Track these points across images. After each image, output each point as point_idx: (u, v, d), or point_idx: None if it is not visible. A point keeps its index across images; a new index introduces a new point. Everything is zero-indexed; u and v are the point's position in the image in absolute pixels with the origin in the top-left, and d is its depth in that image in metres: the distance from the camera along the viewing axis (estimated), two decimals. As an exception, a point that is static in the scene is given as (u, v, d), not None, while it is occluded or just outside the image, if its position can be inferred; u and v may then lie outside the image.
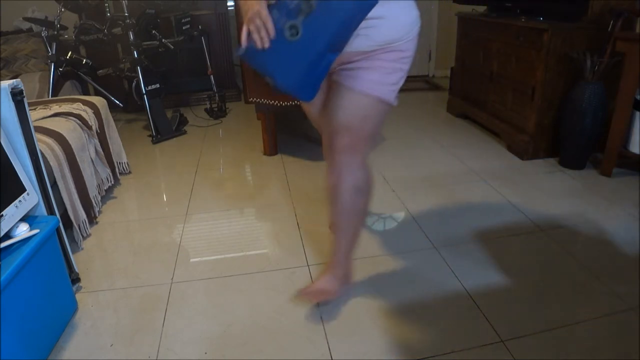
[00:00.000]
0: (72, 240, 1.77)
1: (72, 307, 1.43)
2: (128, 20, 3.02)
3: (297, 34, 1.07)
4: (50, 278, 1.31)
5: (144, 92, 3.03)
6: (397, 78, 1.25)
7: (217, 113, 3.57)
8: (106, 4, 3.25)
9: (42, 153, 1.49)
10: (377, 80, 1.22)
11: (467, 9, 3.35)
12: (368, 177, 1.34)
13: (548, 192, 2.16)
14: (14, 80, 1.30)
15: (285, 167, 2.54)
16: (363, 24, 1.10)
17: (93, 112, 2.20)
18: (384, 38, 1.17)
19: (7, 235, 1.18)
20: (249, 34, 1.10)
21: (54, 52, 3.03)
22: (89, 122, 2.11)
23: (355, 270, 1.60)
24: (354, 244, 1.44)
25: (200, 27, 3.65)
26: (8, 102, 1.27)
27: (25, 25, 3.41)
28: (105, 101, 2.41)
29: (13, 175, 1.26)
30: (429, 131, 3.11)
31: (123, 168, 2.47)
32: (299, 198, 2.17)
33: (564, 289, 1.49)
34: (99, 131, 2.20)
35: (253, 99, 2.54)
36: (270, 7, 1.09)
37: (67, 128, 1.91)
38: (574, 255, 1.66)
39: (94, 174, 2.06)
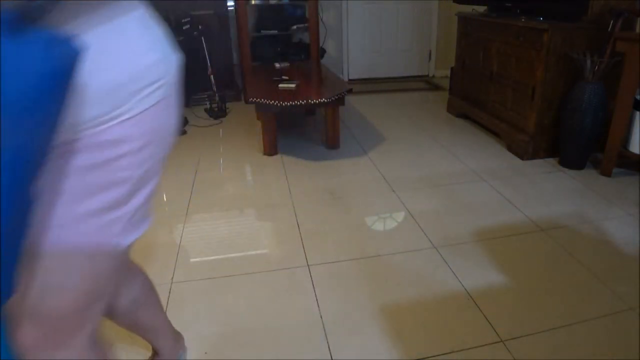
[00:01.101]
0: (72, 240, 1.77)
1: (72, 307, 1.43)
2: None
3: None
4: (50, 278, 1.30)
5: (143, 92, 3.03)
6: (107, 198, 0.62)
7: (217, 113, 3.56)
8: (106, 4, 3.25)
9: (42, 153, 1.49)
10: (52, 217, 0.59)
11: (467, 9, 3.35)
12: None
13: (548, 192, 2.16)
14: (14, 80, 1.30)
15: (285, 167, 2.54)
16: None
17: (93, 112, 2.20)
18: None
19: (7, 235, 1.18)
20: None
21: (54, 52, 3.02)
22: (89, 122, 2.11)
23: (355, 270, 1.60)
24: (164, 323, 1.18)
25: (200, 27, 3.64)
26: (8, 102, 1.27)
27: (25, 25, 3.40)
28: (105, 101, 2.41)
29: (13, 175, 1.26)
30: (429, 131, 3.11)
31: (123, 168, 2.47)
32: (299, 198, 2.17)
33: (564, 289, 1.49)
34: (99, 131, 2.20)
35: (253, 99, 2.53)
36: None
37: (67, 128, 1.91)
38: (574, 255, 1.66)
39: (94, 174, 2.06)
